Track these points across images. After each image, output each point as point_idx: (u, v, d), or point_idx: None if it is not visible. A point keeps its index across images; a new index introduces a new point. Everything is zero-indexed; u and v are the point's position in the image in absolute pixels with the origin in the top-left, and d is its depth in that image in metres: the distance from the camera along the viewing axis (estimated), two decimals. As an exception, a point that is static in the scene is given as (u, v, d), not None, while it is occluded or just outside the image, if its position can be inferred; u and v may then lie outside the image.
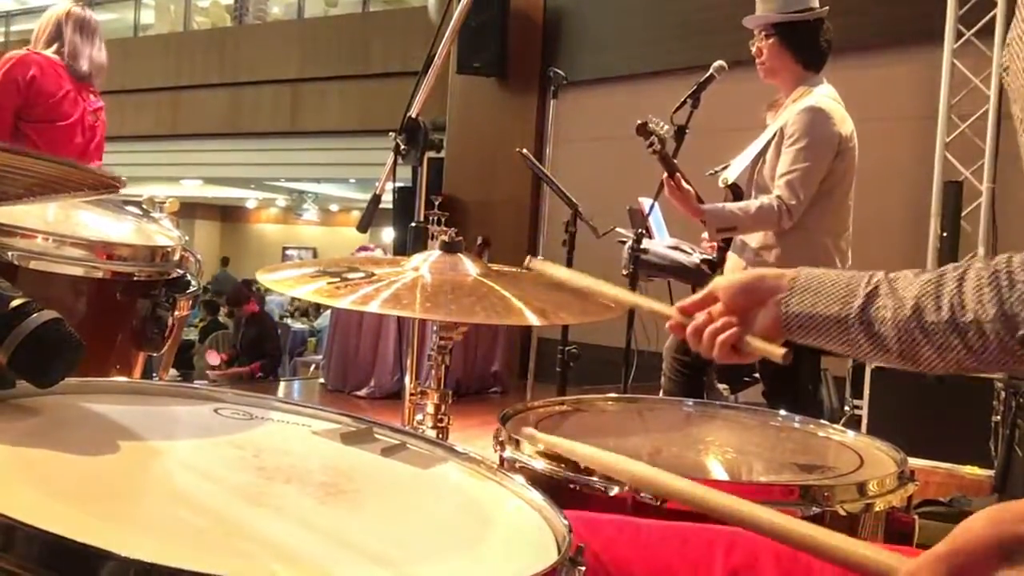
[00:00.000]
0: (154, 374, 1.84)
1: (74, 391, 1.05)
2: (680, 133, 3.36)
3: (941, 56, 5.70)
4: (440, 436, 1.53)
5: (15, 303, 0.94)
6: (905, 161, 5.97)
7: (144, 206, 2.01)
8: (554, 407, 1.75)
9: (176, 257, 1.74)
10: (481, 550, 0.85)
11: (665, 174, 3.27)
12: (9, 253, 1.42)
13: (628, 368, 3.82)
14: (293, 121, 14.35)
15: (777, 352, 1.16)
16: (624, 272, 3.68)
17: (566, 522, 0.88)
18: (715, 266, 3.62)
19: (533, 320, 1.35)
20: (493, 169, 8.20)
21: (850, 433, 1.69)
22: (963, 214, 5.59)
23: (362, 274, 1.42)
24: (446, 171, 8.55)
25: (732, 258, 3.33)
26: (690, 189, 3.27)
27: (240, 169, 16.97)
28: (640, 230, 3.76)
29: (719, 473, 1.49)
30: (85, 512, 0.78)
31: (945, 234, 5.58)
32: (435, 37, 2.38)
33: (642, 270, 3.79)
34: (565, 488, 1.32)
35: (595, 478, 1.32)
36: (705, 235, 3.71)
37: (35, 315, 0.94)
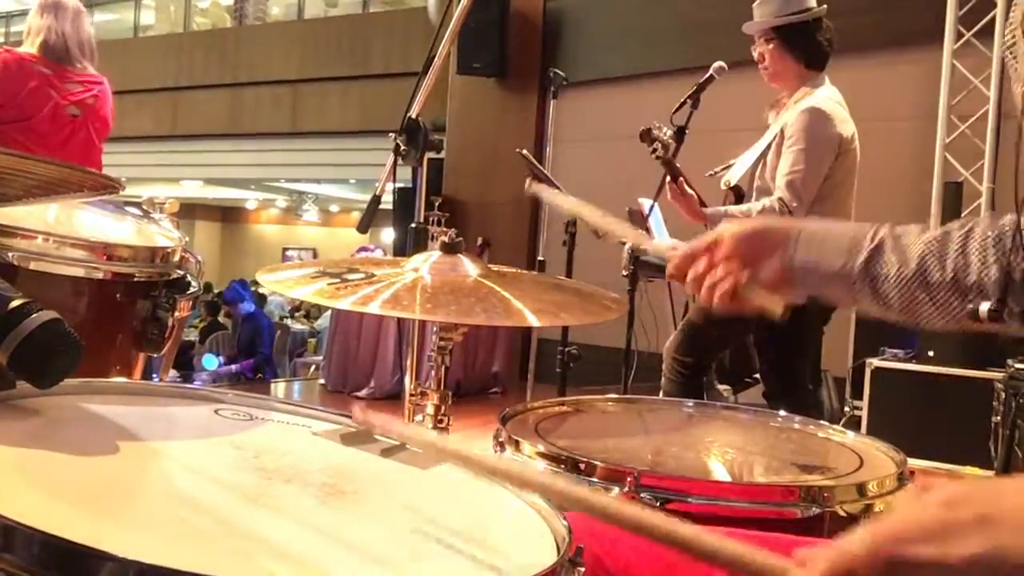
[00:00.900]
0: (154, 375, 1.84)
1: (74, 392, 1.05)
2: (680, 134, 3.36)
3: (941, 56, 5.70)
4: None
5: (15, 304, 0.94)
6: (905, 162, 5.97)
7: (144, 207, 2.01)
8: (554, 408, 1.75)
9: (176, 258, 1.74)
10: (481, 551, 0.85)
11: (668, 178, 3.27)
12: (9, 254, 1.42)
13: (628, 369, 3.82)
14: (293, 122, 14.36)
15: (776, 305, 1.14)
16: (624, 273, 3.68)
17: (565, 523, 0.88)
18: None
19: (533, 321, 1.35)
20: (493, 169, 8.20)
21: (850, 434, 1.69)
22: (963, 214, 5.59)
23: (362, 275, 1.42)
24: (446, 172, 8.55)
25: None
26: (693, 194, 3.28)
27: (240, 170, 16.98)
28: (640, 230, 3.76)
29: (719, 474, 1.49)
30: (85, 513, 0.78)
31: (945, 235, 5.57)
32: (435, 37, 2.38)
33: (642, 271, 3.79)
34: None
35: (595, 479, 1.32)
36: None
37: (35, 316, 0.94)
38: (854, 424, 4.67)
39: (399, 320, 2.74)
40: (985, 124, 5.58)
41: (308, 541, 0.80)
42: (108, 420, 1.02)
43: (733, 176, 3.35)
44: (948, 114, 5.70)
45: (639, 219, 4.07)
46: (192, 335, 10.44)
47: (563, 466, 1.35)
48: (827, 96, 3.23)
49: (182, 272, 1.74)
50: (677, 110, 3.44)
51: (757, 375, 4.08)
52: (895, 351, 4.99)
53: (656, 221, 4.46)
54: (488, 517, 0.95)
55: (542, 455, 1.39)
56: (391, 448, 1.08)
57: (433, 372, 1.56)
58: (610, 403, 1.87)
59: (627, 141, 3.65)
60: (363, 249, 9.77)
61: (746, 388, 4.52)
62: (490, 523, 0.93)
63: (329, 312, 8.06)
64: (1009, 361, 3.99)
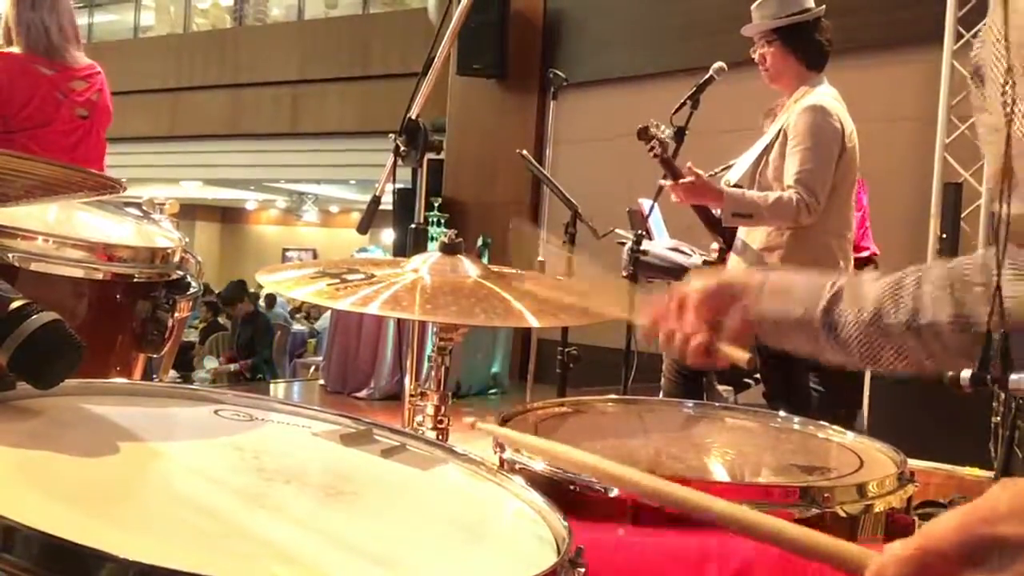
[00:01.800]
0: (154, 376, 1.84)
1: (74, 392, 1.05)
2: (680, 134, 3.37)
3: (941, 57, 5.70)
4: (440, 437, 1.53)
5: (15, 305, 0.94)
6: (905, 162, 5.97)
7: (144, 208, 2.01)
8: (554, 408, 1.75)
9: (176, 259, 1.74)
10: (481, 551, 0.85)
11: (669, 182, 3.27)
12: (9, 255, 1.42)
13: (628, 370, 3.82)
14: (293, 122, 14.36)
15: (742, 357, 1.18)
16: (624, 273, 3.68)
17: (565, 524, 0.88)
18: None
19: (533, 322, 1.35)
20: (493, 170, 8.20)
21: (850, 434, 1.69)
22: (963, 215, 5.59)
23: (362, 275, 1.42)
24: (446, 172, 8.55)
25: (733, 259, 3.33)
26: (697, 173, 3.23)
27: (240, 171, 16.98)
28: (640, 231, 3.77)
29: (719, 474, 1.49)
30: (85, 513, 0.78)
31: (945, 235, 5.58)
32: (435, 38, 2.39)
33: (642, 271, 3.79)
34: (565, 489, 1.32)
35: (595, 479, 1.32)
36: (714, 245, 3.71)
37: (35, 317, 0.94)
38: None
39: (399, 321, 2.74)
40: (985, 125, 5.58)
41: (308, 542, 0.80)
42: (108, 421, 1.03)
43: (733, 176, 3.35)
44: (948, 114, 5.70)
45: (639, 219, 4.07)
46: (192, 335, 10.44)
47: (563, 467, 1.35)
48: (827, 94, 3.24)
49: (182, 273, 1.74)
50: (677, 110, 3.44)
51: (757, 375, 4.08)
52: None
53: (656, 221, 4.46)
54: (488, 517, 0.95)
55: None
56: (391, 448, 1.08)
57: (433, 372, 1.56)
58: (610, 403, 1.87)
59: (627, 141, 3.65)
60: (363, 250, 9.77)
61: (746, 388, 4.52)
62: (490, 523, 0.94)
63: (329, 313, 8.06)
64: (1009, 361, 3.99)
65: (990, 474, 3.90)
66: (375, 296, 1.33)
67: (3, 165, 1.08)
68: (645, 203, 4.12)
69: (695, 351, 1.15)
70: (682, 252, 4.35)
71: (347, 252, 13.18)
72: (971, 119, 5.73)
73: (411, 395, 1.71)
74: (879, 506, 1.34)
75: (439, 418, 1.55)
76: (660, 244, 4.39)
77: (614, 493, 1.28)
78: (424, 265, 1.46)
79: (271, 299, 11.54)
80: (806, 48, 3.26)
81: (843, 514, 1.29)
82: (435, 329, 1.56)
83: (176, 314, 1.65)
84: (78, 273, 1.54)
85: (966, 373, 1.02)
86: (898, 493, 1.37)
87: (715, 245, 3.82)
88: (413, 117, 2.32)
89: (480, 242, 7.03)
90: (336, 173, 16.53)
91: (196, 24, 16.83)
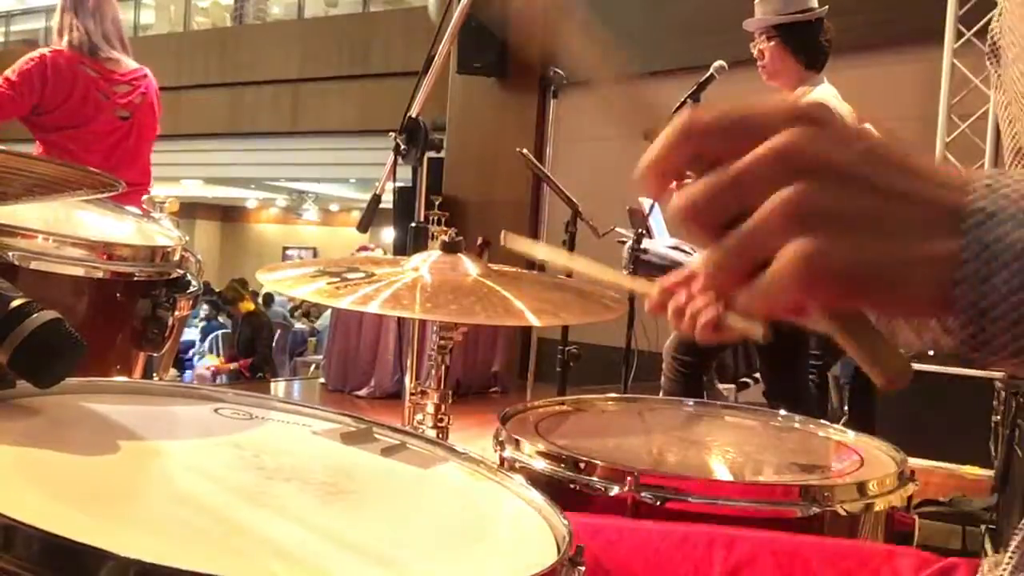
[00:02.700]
0: (154, 374, 1.84)
1: (74, 391, 1.05)
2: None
3: (941, 56, 5.70)
4: (440, 436, 1.53)
5: (15, 303, 0.94)
6: (905, 161, 5.96)
7: (144, 206, 2.01)
8: (554, 407, 1.75)
9: (176, 257, 1.74)
10: (481, 550, 0.85)
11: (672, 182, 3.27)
12: (10, 253, 1.42)
13: (628, 368, 3.82)
14: (293, 121, 14.37)
15: (757, 331, 1.13)
16: (624, 272, 3.68)
17: (566, 522, 0.88)
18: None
19: (533, 320, 1.35)
20: (493, 169, 8.21)
21: (850, 433, 1.69)
22: (963, 214, 5.58)
23: (362, 274, 1.42)
24: (446, 171, 8.56)
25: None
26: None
27: (240, 169, 16.99)
28: (640, 230, 3.77)
29: (719, 473, 1.49)
30: (85, 512, 0.78)
31: (945, 234, 5.57)
32: (435, 37, 2.39)
33: (642, 270, 3.79)
34: (565, 488, 1.32)
35: (595, 478, 1.32)
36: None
37: (35, 315, 0.94)
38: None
39: (399, 319, 2.74)
40: (985, 124, 5.58)
41: (308, 541, 0.80)
42: (108, 419, 1.03)
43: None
44: (948, 114, 5.70)
45: (639, 218, 4.08)
46: (193, 334, 10.45)
47: (563, 465, 1.35)
48: (828, 93, 3.24)
49: (182, 271, 1.74)
50: (677, 109, 3.43)
51: (757, 375, 4.08)
52: (895, 351, 4.98)
53: (656, 221, 4.46)
54: (488, 516, 0.95)
55: (542, 454, 1.39)
56: (391, 448, 1.08)
57: (433, 371, 1.56)
58: (610, 403, 1.87)
59: (627, 140, 3.65)
60: (363, 248, 9.77)
61: (746, 387, 4.52)
62: (490, 522, 0.94)
63: (329, 311, 8.07)
64: (1009, 361, 3.99)
65: (990, 472, 3.91)
66: (375, 295, 1.33)
67: (3, 164, 1.08)
68: (645, 202, 4.12)
69: (705, 325, 1.11)
70: (683, 251, 4.35)
71: (347, 251, 13.19)
72: (971, 119, 5.75)
73: (411, 393, 1.72)
74: (879, 505, 1.34)
75: (439, 416, 1.55)
76: (660, 243, 4.39)
77: (614, 491, 1.29)
78: (424, 264, 1.46)
79: (268, 298, 11.55)
80: (805, 47, 3.26)
81: (843, 513, 1.29)
82: (435, 328, 1.56)
83: (176, 313, 1.66)
84: (78, 272, 1.54)
85: None
86: (898, 492, 1.38)
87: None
88: (413, 116, 2.32)
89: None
90: (336, 172, 16.54)
91: (196, 22, 16.84)
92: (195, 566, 0.64)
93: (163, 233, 1.86)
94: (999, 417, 4.05)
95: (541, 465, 1.37)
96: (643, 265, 3.78)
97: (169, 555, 0.66)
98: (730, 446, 1.66)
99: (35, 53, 3.55)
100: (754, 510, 1.28)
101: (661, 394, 3.38)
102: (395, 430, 1.14)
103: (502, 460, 1.42)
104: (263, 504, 0.86)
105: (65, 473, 0.85)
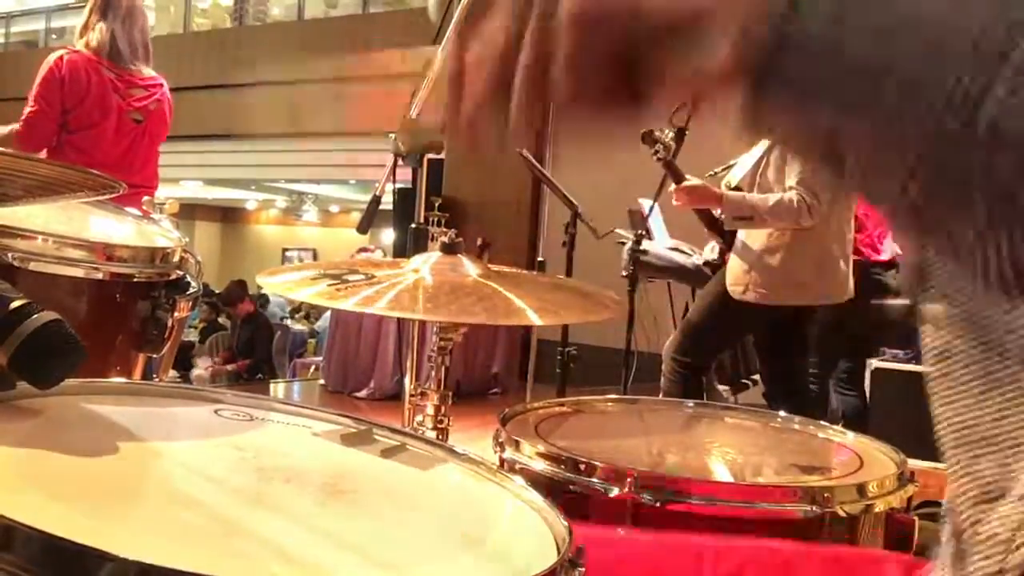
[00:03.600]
0: (154, 375, 1.84)
1: (74, 392, 1.05)
2: (680, 134, 3.37)
3: (941, 57, 5.70)
4: (440, 437, 1.53)
5: (15, 304, 0.94)
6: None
7: (144, 207, 2.01)
8: (554, 408, 1.75)
9: (176, 258, 1.74)
10: (480, 551, 0.85)
11: (673, 186, 3.28)
12: (9, 255, 1.42)
13: (628, 369, 3.82)
14: (293, 122, 14.35)
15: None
16: (624, 273, 3.68)
17: (565, 523, 0.88)
18: (717, 268, 3.63)
19: (535, 320, 1.35)
20: (493, 170, 8.21)
21: (850, 434, 1.69)
22: (963, 215, 5.59)
23: (362, 276, 1.42)
24: (446, 172, 8.56)
25: (733, 260, 3.33)
26: (698, 182, 3.28)
27: (240, 170, 16.98)
28: (640, 231, 3.77)
29: (719, 474, 1.49)
30: (85, 513, 0.78)
31: (945, 235, 5.58)
32: (435, 37, 2.39)
33: (642, 271, 3.79)
34: (565, 490, 1.32)
35: (595, 479, 1.32)
36: (713, 245, 3.72)
37: (35, 316, 0.94)
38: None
39: (399, 320, 2.74)
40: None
41: (308, 542, 0.80)
42: (108, 420, 1.03)
43: (734, 177, 3.35)
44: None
45: (639, 219, 4.08)
46: (192, 335, 10.45)
47: (563, 466, 1.35)
48: None
49: (182, 272, 1.74)
50: (677, 110, 3.43)
51: (757, 375, 4.08)
52: (895, 351, 4.98)
53: (656, 221, 4.46)
54: (488, 517, 0.95)
55: (542, 455, 1.39)
56: (391, 449, 1.08)
57: (433, 372, 1.56)
58: (610, 403, 1.87)
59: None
60: (363, 250, 9.78)
61: (746, 389, 4.52)
62: (490, 523, 0.94)
63: (329, 313, 8.07)
64: (1009, 361, 4.00)
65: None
66: (376, 296, 1.33)
67: (3, 165, 1.08)
68: (645, 203, 4.12)
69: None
70: (682, 252, 4.35)
71: (347, 252, 13.18)
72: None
73: (411, 394, 1.72)
74: (879, 506, 1.34)
75: (439, 418, 1.55)
76: (660, 244, 4.39)
77: (614, 493, 1.29)
78: (425, 265, 1.46)
79: (264, 299, 11.55)
80: None
81: (843, 514, 1.29)
82: (435, 328, 1.56)
83: (176, 314, 1.65)
84: (78, 273, 1.54)
85: None
86: (898, 493, 1.38)
87: (713, 245, 3.82)
88: (413, 117, 2.32)
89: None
90: (336, 173, 16.53)
91: (196, 23, 16.83)
92: (195, 567, 0.64)
93: (163, 234, 1.86)
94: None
95: (541, 466, 1.37)
96: (643, 266, 3.78)
97: (169, 556, 0.66)
98: (730, 447, 1.66)
99: (52, 57, 3.56)
100: (754, 511, 1.28)
101: (661, 395, 3.38)
102: (395, 431, 1.14)
103: (502, 461, 1.42)
104: (263, 505, 0.86)
105: (65, 474, 0.85)
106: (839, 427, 1.75)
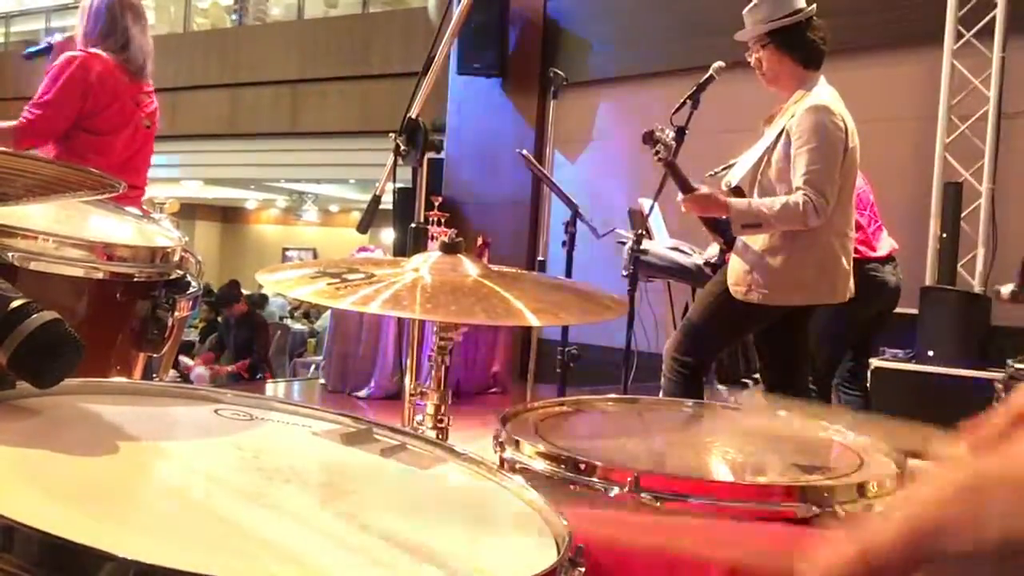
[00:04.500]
0: (154, 375, 1.84)
1: (74, 392, 1.05)
2: (680, 134, 3.37)
3: (941, 57, 5.70)
4: (440, 437, 1.53)
5: (15, 304, 0.94)
6: (905, 162, 5.97)
7: (144, 207, 2.01)
8: (554, 408, 1.75)
9: (176, 258, 1.74)
10: (480, 551, 0.85)
11: (679, 195, 3.28)
12: (9, 254, 1.42)
13: (628, 369, 3.82)
14: (293, 122, 14.35)
15: None
16: (624, 273, 3.68)
17: (565, 523, 0.88)
18: (717, 268, 3.63)
19: (533, 321, 1.35)
20: (493, 169, 8.20)
21: (850, 434, 1.69)
22: (963, 215, 5.59)
23: (362, 275, 1.42)
24: (446, 172, 8.55)
25: (734, 260, 3.33)
26: (706, 190, 3.28)
27: (240, 170, 16.97)
28: (640, 231, 3.77)
29: (719, 474, 1.49)
30: (84, 513, 0.78)
31: (945, 235, 5.59)
32: (435, 38, 2.39)
33: (642, 271, 3.80)
34: (565, 489, 1.32)
35: (595, 479, 1.32)
36: (713, 249, 3.72)
37: (35, 316, 0.94)
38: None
39: (399, 320, 2.73)
40: (985, 124, 5.58)
41: (308, 541, 0.80)
42: (108, 420, 1.02)
43: (734, 176, 3.35)
44: (948, 114, 5.70)
45: (639, 219, 4.08)
46: (192, 335, 10.44)
47: (563, 466, 1.35)
48: (827, 93, 3.24)
49: (182, 272, 1.74)
50: (677, 110, 3.44)
51: (757, 375, 4.08)
52: (895, 351, 4.99)
53: (656, 221, 4.46)
54: (488, 517, 0.95)
55: (542, 455, 1.38)
56: (391, 448, 1.08)
57: (433, 372, 1.56)
58: (610, 403, 1.87)
59: (627, 141, 3.65)
60: (363, 249, 9.78)
61: (746, 388, 4.52)
62: (490, 523, 0.94)
63: (329, 312, 8.06)
64: (1009, 361, 4.00)
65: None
66: (375, 295, 1.33)
67: (3, 165, 1.08)
68: (645, 203, 4.12)
69: None
70: (682, 252, 4.36)
71: (347, 251, 13.18)
72: (971, 119, 5.75)
73: (411, 394, 1.71)
74: (879, 506, 1.34)
75: (439, 417, 1.55)
76: (660, 244, 4.39)
77: (614, 492, 1.29)
78: (424, 264, 1.46)
79: (263, 299, 11.55)
80: (801, 48, 3.27)
81: (843, 513, 1.29)
82: (435, 328, 1.56)
83: (176, 313, 1.65)
84: (78, 272, 1.54)
85: (1007, 288, 0.96)
86: (898, 492, 1.37)
87: (713, 249, 3.82)
88: (413, 116, 2.32)
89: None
90: (336, 172, 16.53)
91: (196, 23, 16.82)
92: (195, 567, 0.64)
93: (163, 234, 1.86)
94: (999, 418, 4.05)
95: (541, 466, 1.37)
96: (643, 266, 3.78)
97: (169, 556, 0.66)
98: (730, 446, 1.66)
99: (74, 58, 3.47)
100: (754, 511, 1.28)
101: (661, 395, 3.38)
102: (395, 431, 1.14)
103: (502, 461, 1.42)
104: (263, 505, 0.86)
105: (65, 474, 0.85)
106: (839, 426, 1.75)
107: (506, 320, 1.39)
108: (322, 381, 7.02)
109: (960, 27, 5.66)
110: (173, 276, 1.70)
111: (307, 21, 15.05)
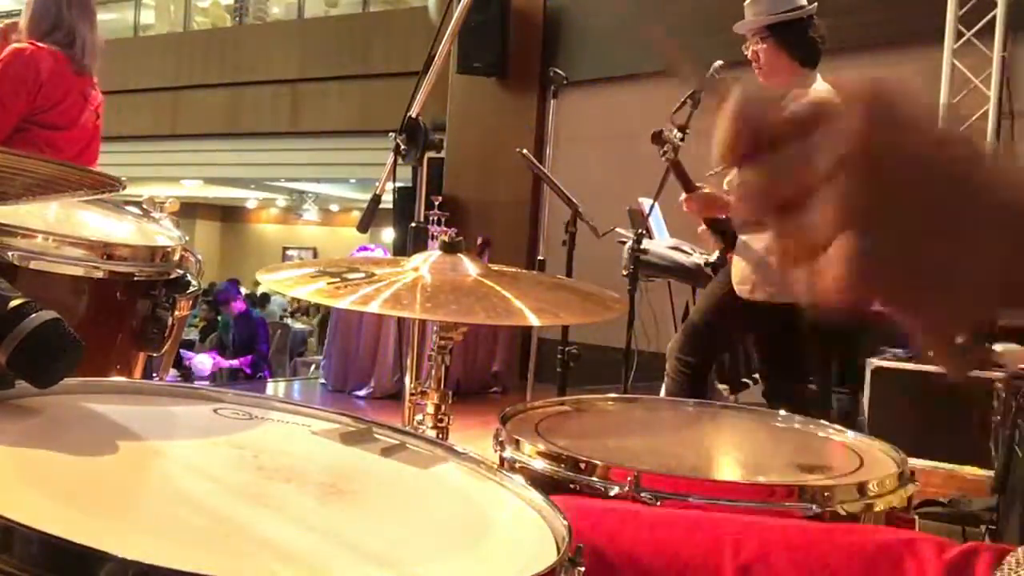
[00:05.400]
0: (154, 374, 1.84)
1: (74, 391, 1.05)
2: (681, 134, 3.37)
3: (941, 56, 5.70)
4: (440, 436, 1.53)
5: (15, 303, 0.94)
6: (905, 161, 5.97)
7: (144, 206, 2.01)
8: (554, 407, 1.75)
9: (176, 257, 1.74)
10: (481, 550, 0.85)
11: (683, 195, 3.28)
12: (9, 253, 1.42)
13: (628, 368, 3.82)
14: (293, 121, 14.36)
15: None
16: (624, 273, 3.68)
17: (566, 522, 0.88)
18: (717, 268, 3.63)
19: (533, 320, 1.35)
20: (493, 169, 8.20)
21: (850, 433, 1.69)
22: (963, 214, 5.59)
23: (362, 274, 1.42)
24: (446, 171, 8.55)
25: (737, 259, 3.33)
26: (707, 190, 3.28)
27: (240, 169, 16.98)
28: (640, 230, 3.77)
29: (719, 474, 1.49)
30: (84, 513, 0.78)
31: (945, 235, 5.58)
32: (435, 37, 2.39)
33: (642, 270, 3.79)
34: (565, 488, 1.32)
35: (595, 478, 1.32)
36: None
37: (35, 315, 0.94)
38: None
39: (399, 320, 2.73)
40: (985, 124, 5.58)
41: (308, 541, 0.80)
42: (108, 419, 1.02)
43: (734, 176, 3.35)
44: (948, 114, 5.70)
45: (639, 218, 4.08)
46: (192, 334, 10.45)
47: (563, 466, 1.35)
48: (825, 90, 3.24)
49: (182, 271, 1.74)
50: (677, 110, 3.44)
51: (757, 375, 4.08)
52: (895, 351, 4.98)
53: (656, 221, 4.46)
54: (488, 517, 0.95)
55: (542, 454, 1.38)
56: (391, 448, 1.08)
57: (433, 372, 1.56)
58: (610, 402, 1.87)
59: (627, 141, 3.66)
60: (363, 249, 9.78)
61: (746, 388, 4.52)
62: (490, 523, 0.93)
63: (329, 312, 8.06)
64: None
65: (990, 473, 3.91)
66: (375, 295, 1.33)
67: (3, 164, 1.08)
68: (645, 202, 4.12)
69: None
70: (682, 251, 4.35)
71: (347, 251, 13.19)
72: (971, 119, 5.74)
73: (411, 394, 1.71)
74: (879, 505, 1.34)
75: (439, 417, 1.55)
76: (660, 243, 4.39)
77: (614, 492, 1.29)
78: (425, 264, 1.46)
79: (265, 298, 11.56)
80: (799, 45, 3.27)
81: (843, 513, 1.29)
82: (435, 328, 1.56)
83: (176, 313, 1.65)
84: (78, 271, 1.54)
85: None
86: (898, 492, 1.37)
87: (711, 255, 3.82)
88: (413, 116, 2.32)
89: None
90: (336, 172, 16.53)
91: (196, 22, 16.83)
92: (195, 567, 0.64)
93: (163, 233, 1.86)
94: (999, 417, 4.05)
95: (541, 465, 1.37)
96: (643, 265, 3.77)
97: (169, 556, 0.66)
98: (730, 446, 1.66)
99: (18, 51, 3.29)
100: (754, 510, 1.28)
101: (663, 394, 3.38)
102: (395, 430, 1.14)
103: (502, 460, 1.42)
104: (263, 504, 0.86)
105: (64, 474, 0.85)
106: (839, 426, 1.75)
107: (506, 320, 1.39)
108: (322, 380, 7.02)
109: (960, 26, 5.66)
110: (173, 275, 1.70)
111: (307, 21, 15.05)
